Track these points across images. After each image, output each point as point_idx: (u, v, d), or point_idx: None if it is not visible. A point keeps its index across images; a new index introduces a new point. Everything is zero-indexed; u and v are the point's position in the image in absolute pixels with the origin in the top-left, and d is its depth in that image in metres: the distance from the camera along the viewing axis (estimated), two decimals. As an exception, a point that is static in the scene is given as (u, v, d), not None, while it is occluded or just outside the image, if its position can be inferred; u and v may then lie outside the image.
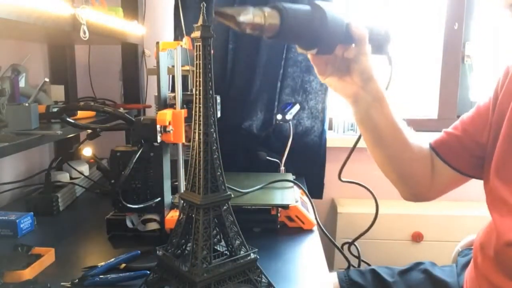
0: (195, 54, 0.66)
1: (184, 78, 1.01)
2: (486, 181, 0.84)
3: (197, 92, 0.65)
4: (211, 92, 0.66)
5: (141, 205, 0.94)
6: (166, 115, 0.87)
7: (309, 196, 1.22)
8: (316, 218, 1.10)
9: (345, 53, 0.78)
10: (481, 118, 0.87)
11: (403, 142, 0.87)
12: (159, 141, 0.88)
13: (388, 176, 0.94)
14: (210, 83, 0.66)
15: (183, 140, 0.91)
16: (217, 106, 1.05)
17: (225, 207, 0.68)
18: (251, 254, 0.69)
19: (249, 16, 0.60)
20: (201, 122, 0.65)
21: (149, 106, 1.51)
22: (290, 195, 1.14)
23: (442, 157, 0.91)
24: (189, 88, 1.06)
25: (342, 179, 1.05)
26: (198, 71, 0.65)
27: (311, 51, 0.75)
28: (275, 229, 1.06)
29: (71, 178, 1.37)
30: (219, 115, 1.07)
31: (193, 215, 0.66)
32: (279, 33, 0.65)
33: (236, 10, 0.60)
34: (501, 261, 0.77)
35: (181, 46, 0.94)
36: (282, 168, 1.45)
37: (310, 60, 0.80)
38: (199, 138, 0.66)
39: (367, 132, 0.87)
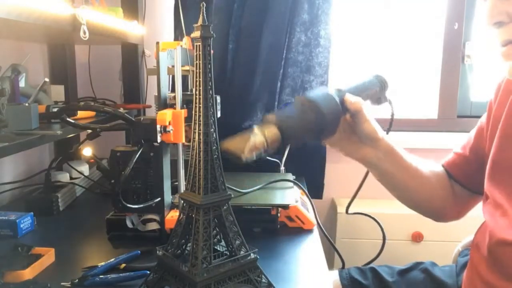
0: (195, 54, 0.66)
1: (184, 78, 1.01)
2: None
3: (197, 92, 0.65)
4: (211, 92, 0.66)
5: (141, 205, 0.94)
6: (166, 115, 0.87)
7: (309, 196, 1.22)
8: (316, 218, 1.10)
9: (346, 128, 0.82)
10: (482, 133, 0.89)
11: (420, 179, 0.91)
12: (159, 141, 0.88)
13: (412, 209, 0.97)
14: (210, 83, 0.66)
15: (183, 140, 0.91)
16: (217, 106, 1.05)
17: (225, 207, 0.68)
18: (251, 254, 0.69)
19: (251, 145, 0.62)
20: (201, 122, 0.65)
21: (149, 106, 1.51)
22: (290, 195, 1.14)
23: (457, 179, 0.94)
24: (189, 88, 1.06)
25: (349, 211, 1.08)
26: (198, 71, 0.65)
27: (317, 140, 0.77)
28: (275, 229, 1.06)
29: (71, 178, 1.37)
30: (219, 115, 1.07)
31: (193, 215, 0.66)
32: (283, 142, 0.67)
33: (238, 145, 0.62)
34: (494, 260, 0.78)
35: (181, 46, 0.94)
36: (282, 168, 1.45)
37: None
38: (199, 138, 0.66)
39: (384, 182, 0.91)
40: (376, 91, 0.84)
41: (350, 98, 0.77)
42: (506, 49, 0.71)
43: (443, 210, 0.96)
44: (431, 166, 0.95)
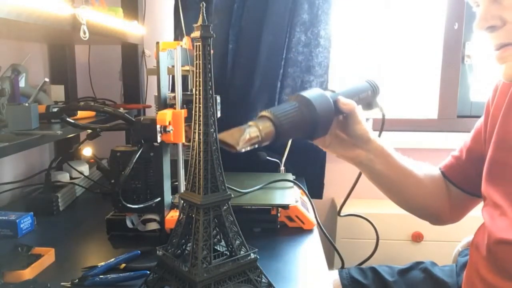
0: (195, 54, 0.66)
1: (184, 78, 1.01)
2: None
3: (197, 92, 0.65)
4: (211, 92, 0.66)
5: (141, 205, 0.94)
6: (166, 115, 0.87)
7: (309, 196, 1.22)
8: (316, 218, 1.10)
9: (338, 129, 0.83)
10: (479, 136, 0.89)
11: (414, 181, 0.91)
12: (159, 141, 0.88)
13: (408, 211, 0.98)
14: (210, 83, 0.66)
15: (183, 140, 0.91)
16: (217, 106, 1.05)
17: (225, 207, 0.68)
18: (251, 254, 0.69)
19: (246, 138, 0.63)
20: (201, 122, 0.65)
21: (149, 106, 1.51)
22: (290, 195, 1.14)
23: (453, 182, 0.94)
24: (189, 88, 1.06)
25: (342, 214, 1.08)
26: (198, 71, 0.65)
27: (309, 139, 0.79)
28: (275, 229, 1.06)
29: (71, 178, 1.36)
30: (219, 115, 1.07)
31: (193, 215, 0.66)
32: (276, 138, 0.68)
33: (233, 136, 0.63)
34: (492, 259, 0.78)
35: (181, 46, 0.94)
36: (282, 168, 1.45)
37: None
38: (199, 138, 0.66)
39: (378, 183, 0.92)
40: (368, 94, 0.86)
41: (343, 99, 0.78)
42: (499, 53, 0.71)
43: (439, 213, 0.97)
44: (427, 169, 0.95)
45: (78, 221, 1.15)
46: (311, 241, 1.01)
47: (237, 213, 0.70)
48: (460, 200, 0.94)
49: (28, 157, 1.40)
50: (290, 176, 1.33)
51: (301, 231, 1.05)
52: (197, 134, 0.66)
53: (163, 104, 0.93)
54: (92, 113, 1.18)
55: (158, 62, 0.91)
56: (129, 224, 0.99)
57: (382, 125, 0.91)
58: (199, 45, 0.65)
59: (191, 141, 0.67)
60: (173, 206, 1.01)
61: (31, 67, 1.25)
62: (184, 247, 0.71)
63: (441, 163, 0.98)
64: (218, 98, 1.07)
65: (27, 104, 0.95)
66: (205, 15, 0.65)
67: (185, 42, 1.00)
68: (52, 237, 1.03)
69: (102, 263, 0.84)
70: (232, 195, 0.69)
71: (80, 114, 1.12)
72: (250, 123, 0.66)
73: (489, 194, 0.82)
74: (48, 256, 0.87)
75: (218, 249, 0.70)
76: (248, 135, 0.63)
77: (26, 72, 1.17)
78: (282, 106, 0.71)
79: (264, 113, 0.68)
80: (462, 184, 0.93)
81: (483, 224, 0.84)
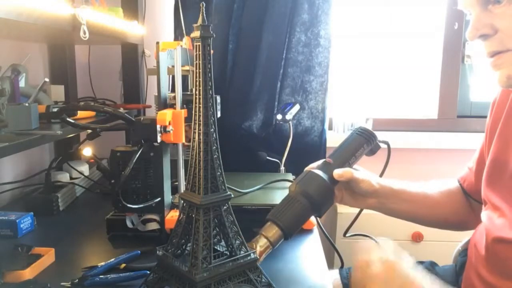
0: (195, 54, 0.66)
1: (184, 78, 1.01)
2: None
3: (197, 92, 0.65)
4: (211, 92, 0.66)
5: (141, 205, 0.94)
6: (166, 115, 0.87)
7: (309, 196, 1.22)
8: (316, 218, 1.10)
9: (344, 189, 0.87)
10: (483, 150, 0.91)
11: (430, 203, 0.96)
12: (159, 141, 0.88)
13: (431, 227, 1.03)
14: (210, 83, 0.66)
15: (183, 140, 0.91)
16: (217, 106, 1.05)
17: (225, 207, 0.68)
18: (251, 254, 0.69)
19: (257, 253, 0.69)
20: (201, 122, 0.65)
21: (149, 106, 1.51)
22: (290, 195, 1.14)
23: (470, 194, 0.96)
24: (189, 88, 1.06)
25: (347, 235, 1.12)
26: (198, 71, 0.65)
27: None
28: (275, 229, 1.06)
29: (71, 178, 1.36)
30: (219, 115, 1.07)
31: (193, 215, 0.66)
32: (286, 235, 0.73)
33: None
34: (491, 258, 0.78)
35: (181, 46, 0.94)
36: (282, 168, 1.45)
37: None
38: (199, 138, 0.66)
39: (394, 216, 0.97)
40: (364, 148, 0.87)
41: (338, 172, 0.82)
42: (493, 60, 0.72)
43: (463, 223, 0.99)
44: (442, 186, 0.98)
45: (78, 221, 1.15)
46: (311, 241, 1.01)
47: (237, 213, 0.70)
48: (478, 209, 0.94)
49: (28, 157, 1.40)
50: (290, 176, 1.33)
51: (301, 231, 1.05)
52: (197, 134, 0.66)
53: (163, 104, 0.93)
54: (92, 113, 1.18)
55: (158, 62, 0.91)
56: (129, 224, 0.99)
57: (387, 161, 0.93)
58: (199, 45, 0.65)
59: (191, 141, 0.67)
60: (173, 206, 1.01)
61: (31, 67, 1.25)
62: (184, 247, 0.71)
63: (459, 174, 1.00)
64: (218, 98, 1.07)
65: (27, 104, 0.95)
66: (205, 15, 0.65)
67: (185, 42, 1.00)
68: (52, 237, 1.02)
69: (102, 263, 0.84)
70: (232, 195, 0.69)
71: (80, 114, 1.12)
72: (262, 231, 0.71)
73: (489, 197, 0.83)
74: (48, 256, 0.87)
75: (218, 249, 0.70)
76: (259, 251, 0.70)
77: (26, 72, 1.17)
78: (282, 205, 0.75)
79: (269, 217, 0.73)
80: (476, 196, 0.94)
81: (482, 225, 0.84)
